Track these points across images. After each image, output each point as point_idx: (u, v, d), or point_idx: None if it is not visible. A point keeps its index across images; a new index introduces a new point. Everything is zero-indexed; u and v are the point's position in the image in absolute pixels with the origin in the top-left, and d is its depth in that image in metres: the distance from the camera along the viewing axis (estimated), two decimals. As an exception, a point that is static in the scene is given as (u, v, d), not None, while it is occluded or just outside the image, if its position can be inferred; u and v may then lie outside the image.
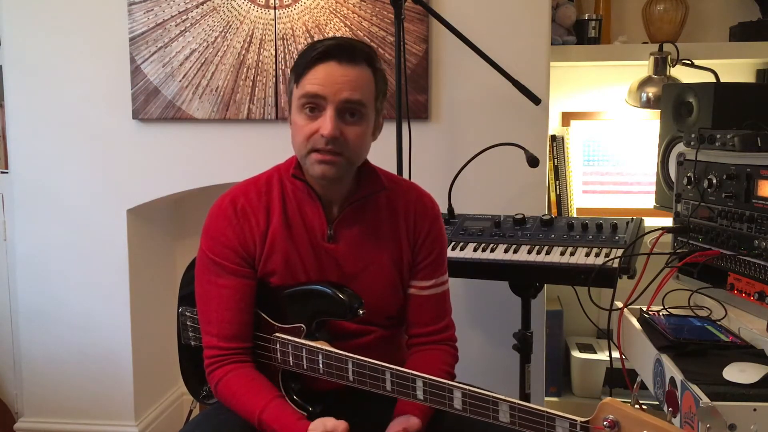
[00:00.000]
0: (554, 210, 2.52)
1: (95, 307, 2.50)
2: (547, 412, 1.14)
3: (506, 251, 1.87)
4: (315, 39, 1.58)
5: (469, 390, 1.22)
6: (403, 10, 1.98)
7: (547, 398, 2.49)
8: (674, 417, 1.28)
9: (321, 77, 1.35)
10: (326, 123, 1.35)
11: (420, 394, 1.27)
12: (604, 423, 1.06)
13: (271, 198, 1.47)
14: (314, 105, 1.36)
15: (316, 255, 1.46)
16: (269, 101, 2.32)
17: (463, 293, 2.33)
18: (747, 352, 1.40)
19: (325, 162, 1.37)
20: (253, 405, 1.39)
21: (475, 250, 1.90)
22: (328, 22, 2.27)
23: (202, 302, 1.48)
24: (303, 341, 1.42)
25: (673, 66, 2.38)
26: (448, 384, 1.24)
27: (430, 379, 1.26)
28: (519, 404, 1.17)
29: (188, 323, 1.67)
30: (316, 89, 1.35)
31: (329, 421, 1.31)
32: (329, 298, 1.43)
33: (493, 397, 1.19)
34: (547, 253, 1.84)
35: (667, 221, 1.88)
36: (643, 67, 2.44)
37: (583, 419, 1.10)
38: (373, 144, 1.47)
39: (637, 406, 1.07)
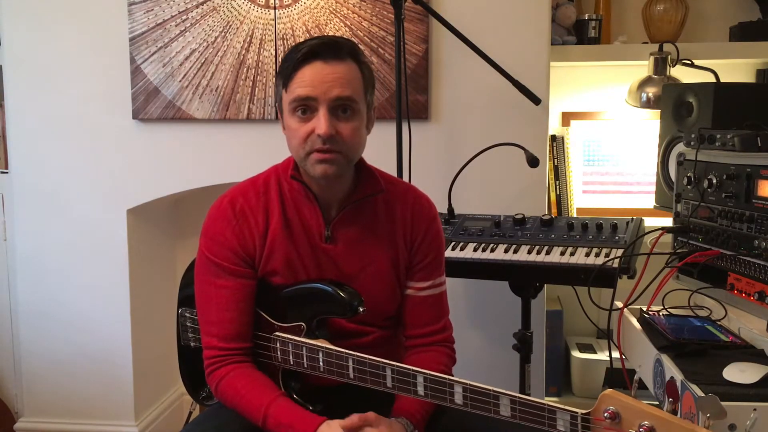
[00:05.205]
0: (554, 210, 2.52)
1: (95, 307, 2.50)
2: (548, 405, 1.14)
3: (506, 251, 1.87)
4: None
5: (470, 384, 1.22)
6: (403, 10, 1.98)
7: (547, 398, 2.48)
8: (674, 410, 1.28)
9: (309, 78, 1.35)
10: (321, 122, 1.35)
11: (421, 389, 1.28)
12: (605, 414, 1.07)
13: (269, 198, 1.47)
14: (306, 107, 1.36)
15: (315, 255, 1.47)
16: (269, 101, 2.32)
17: (463, 293, 2.33)
18: (747, 352, 1.40)
19: (324, 161, 1.37)
20: (259, 400, 1.38)
21: (475, 250, 1.90)
22: (328, 22, 2.27)
23: (201, 303, 1.48)
24: (303, 340, 1.42)
25: (673, 66, 2.38)
26: (449, 379, 1.25)
27: (430, 375, 1.26)
28: (520, 398, 1.17)
29: (188, 324, 1.67)
30: (306, 91, 1.35)
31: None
32: (329, 297, 1.43)
33: (494, 391, 1.20)
34: (547, 253, 1.84)
35: (667, 221, 1.88)
36: (643, 67, 2.44)
37: (583, 411, 1.11)
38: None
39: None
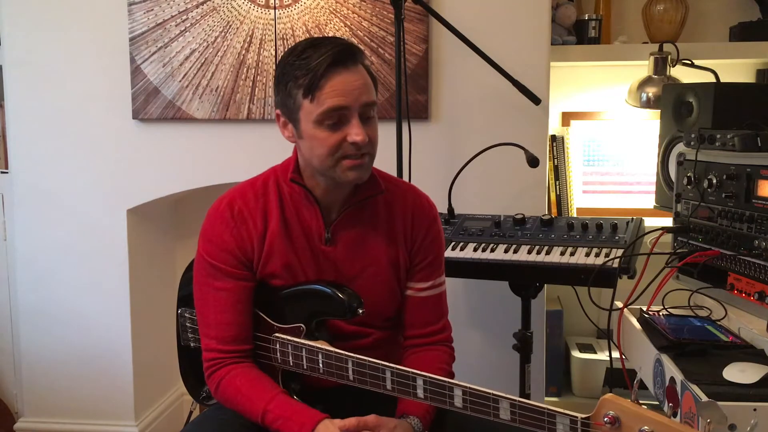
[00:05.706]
0: (554, 210, 2.52)
1: (95, 307, 2.49)
2: (548, 409, 1.14)
3: (506, 251, 1.87)
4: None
5: (470, 388, 1.22)
6: (403, 10, 1.98)
7: (547, 398, 2.49)
8: (674, 413, 1.28)
9: (339, 88, 1.33)
10: (356, 131, 1.34)
11: (420, 392, 1.27)
12: (605, 419, 1.07)
13: (268, 200, 1.46)
14: (337, 116, 1.34)
15: (315, 257, 1.46)
16: (269, 101, 2.32)
17: (463, 293, 2.33)
18: (747, 352, 1.40)
19: (358, 167, 1.37)
20: (259, 397, 1.38)
21: (475, 250, 1.90)
22: (328, 22, 2.27)
23: (200, 305, 1.48)
24: (303, 341, 1.42)
25: (673, 66, 2.38)
26: (449, 382, 1.25)
27: (430, 378, 1.26)
28: (519, 401, 1.17)
29: (187, 324, 1.67)
30: (338, 101, 1.33)
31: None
32: (329, 298, 1.43)
33: (493, 394, 1.20)
34: (547, 253, 1.84)
35: (667, 221, 1.88)
36: (643, 67, 2.44)
37: (583, 415, 1.11)
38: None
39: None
